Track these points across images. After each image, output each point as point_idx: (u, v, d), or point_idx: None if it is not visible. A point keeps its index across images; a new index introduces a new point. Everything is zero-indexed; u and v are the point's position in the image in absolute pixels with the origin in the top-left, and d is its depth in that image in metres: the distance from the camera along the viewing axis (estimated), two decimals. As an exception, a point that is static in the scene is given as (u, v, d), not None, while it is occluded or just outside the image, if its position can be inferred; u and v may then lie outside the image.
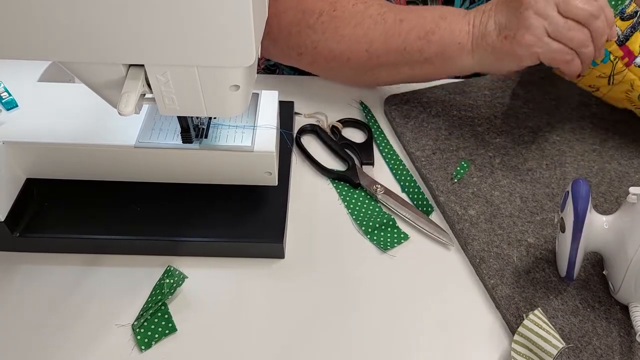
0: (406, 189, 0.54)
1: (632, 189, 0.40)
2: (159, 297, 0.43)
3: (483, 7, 0.52)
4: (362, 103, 0.62)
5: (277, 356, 0.41)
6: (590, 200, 0.40)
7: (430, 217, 0.51)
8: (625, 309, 0.43)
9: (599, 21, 0.47)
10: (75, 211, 0.47)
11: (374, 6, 0.54)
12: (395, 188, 0.54)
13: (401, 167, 0.56)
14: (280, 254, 0.47)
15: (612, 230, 0.41)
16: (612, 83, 0.53)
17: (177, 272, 0.44)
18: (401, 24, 0.53)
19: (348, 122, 0.60)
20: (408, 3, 0.62)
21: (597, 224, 0.42)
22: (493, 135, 0.58)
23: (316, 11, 0.55)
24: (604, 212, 0.44)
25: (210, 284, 0.45)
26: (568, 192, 0.41)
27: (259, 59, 0.38)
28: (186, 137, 0.45)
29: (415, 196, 0.53)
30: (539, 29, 0.47)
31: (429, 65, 0.54)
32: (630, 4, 0.52)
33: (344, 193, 0.53)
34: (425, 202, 0.52)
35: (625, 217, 0.41)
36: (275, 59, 0.62)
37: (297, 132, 0.58)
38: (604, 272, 0.44)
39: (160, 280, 0.44)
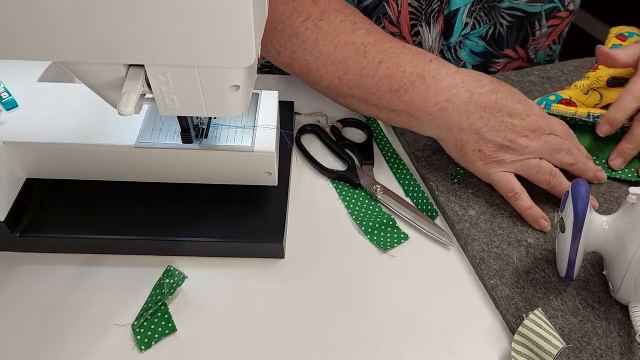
0: (410, 193, 0.53)
1: (632, 189, 0.40)
2: (159, 297, 0.43)
3: (476, 94, 0.48)
4: None
5: (277, 356, 0.41)
6: (590, 200, 0.40)
7: (435, 221, 0.51)
8: (625, 309, 0.43)
9: (579, 165, 0.50)
10: (75, 211, 0.47)
11: (361, 31, 0.51)
12: (396, 188, 0.54)
13: (401, 167, 0.56)
14: (280, 254, 0.47)
15: (612, 230, 0.41)
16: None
17: (177, 272, 0.44)
18: (379, 66, 0.49)
19: (348, 122, 0.60)
20: (412, 27, 0.62)
21: (597, 224, 0.42)
22: (493, 135, 0.58)
23: (304, 13, 0.52)
24: (604, 212, 0.44)
25: (210, 284, 0.45)
26: (568, 192, 0.41)
27: (258, 59, 0.38)
28: (186, 137, 0.45)
29: (420, 200, 0.53)
30: (509, 166, 0.49)
31: (394, 115, 0.51)
32: None
33: (344, 193, 0.53)
34: (430, 207, 0.52)
35: (625, 218, 0.41)
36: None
37: (297, 132, 0.58)
38: (603, 272, 0.44)
39: (160, 280, 0.44)
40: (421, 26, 0.61)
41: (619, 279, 0.41)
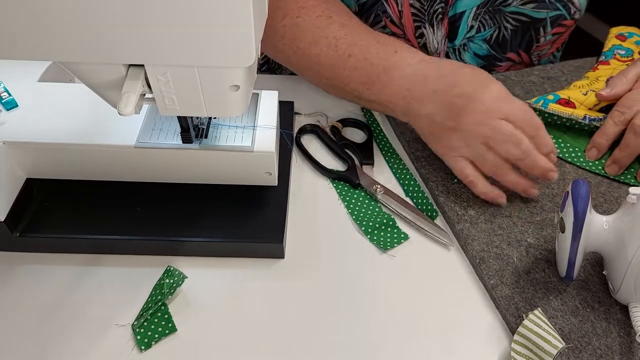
0: (410, 193, 0.53)
1: (632, 189, 0.40)
2: (159, 297, 0.43)
3: (431, 78, 0.49)
4: (363, 108, 0.62)
5: (277, 356, 0.41)
6: (590, 200, 0.40)
7: (435, 221, 0.51)
8: (625, 309, 0.43)
9: (527, 160, 0.47)
10: (75, 211, 0.47)
11: (334, 25, 0.53)
12: (396, 188, 0.54)
13: (401, 167, 0.56)
14: (280, 254, 0.47)
15: (612, 230, 0.41)
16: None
17: (177, 272, 0.44)
18: (348, 59, 0.51)
19: (348, 122, 0.60)
20: (416, 29, 0.62)
21: (597, 224, 0.42)
22: (493, 135, 0.58)
23: (282, 11, 0.54)
24: (604, 212, 0.44)
25: (210, 284, 0.45)
26: (568, 192, 0.41)
27: (258, 58, 0.38)
28: (186, 137, 0.45)
29: (420, 200, 0.53)
30: (460, 151, 0.48)
31: (372, 105, 0.54)
32: None
33: (344, 193, 0.53)
34: (430, 207, 0.52)
35: (625, 218, 0.41)
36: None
37: (297, 132, 0.58)
38: (603, 272, 0.44)
39: (160, 280, 0.44)
40: (425, 27, 0.62)
41: (619, 279, 0.41)
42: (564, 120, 0.56)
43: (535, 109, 0.55)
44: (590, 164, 0.55)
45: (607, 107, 0.56)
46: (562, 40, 0.67)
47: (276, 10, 0.54)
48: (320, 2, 0.54)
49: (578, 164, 0.55)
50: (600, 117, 0.55)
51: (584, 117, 0.55)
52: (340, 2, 0.57)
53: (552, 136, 0.56)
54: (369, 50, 0.51)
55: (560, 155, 0.55)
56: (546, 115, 0.56)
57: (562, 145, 0.56)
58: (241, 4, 0.30)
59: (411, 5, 0.60)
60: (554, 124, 0.57)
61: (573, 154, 0.55)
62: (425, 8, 0.60)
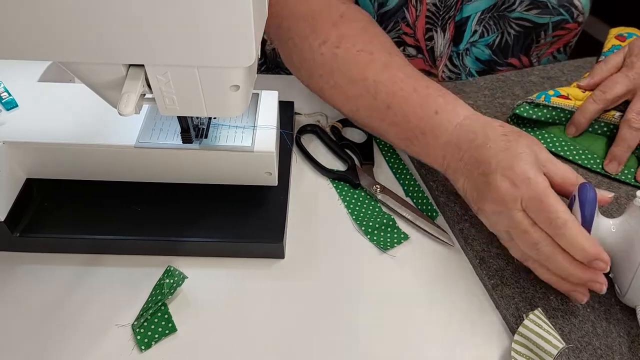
0: (410, 193, 0.53)
1: (639, 193, 0.40)
2: (159, 297, 0.43)
3: (464, 149, 0.45)
4: None
5: (277, 356, 0.41)
6: (597, 204, 0.40)
7: (435, 221, 0.51)
8: (625, 310, 0.43)
9: (551, 266, 0.41)
10: (75, 211, 0.47)
11: (376, 64, 0.49)
12: (396, 188, 0.54)
13: (401, 167, 0.56)
14: (280, 254, 0.47)
15: (620, 233, 0.41)
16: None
17: (177, 272, 0.44)
18: (387, 111, 0.49)
19: (348, 122, 0.60)
20: (427, 31, 0.62)
21: (605, 227, 0.42)
22: (493, 135, 0.58)
23: (322, 35, 0.51)
24: (605, 212, 0.44)
25: (210, 284, 0.45)
26: (575, 196, 0.41)
27: (258, 58, 0.38)
28: (186, 137, 0.45)
29: (420, 200, 0.53)
30: (501, 225, 0.43)
31: (411, 153, 0.51)
32: None
33: (344, 193, 0.53)
34: (430, 207, 0.52)
35: (632, 221, 0.41)
36: (275, 46, 0.58)
37: (297, 132, 0.58)
38: (610, 275, 0.44)
39: (160, 280, 0.44)
40: (436, 32, 0.62)
41: (627, 282, 0.41)
42: (567, 112, 0.55)
43: (538, 104, 0.55)
44: (592, 162, 0.55)
45: None
46: (564, 42, 0.67)
47: (312, 32, 0.51)
48: (361, 31, 0.52)
49: (580, 162, 0.55)
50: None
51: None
52: (380, 30, 0.54)
53: (552, 134, 0.56)
54: (409, 106, 0.48)
55: (562, 153, 0.55)
56: (550, 108, 0.55)
57: (563, 143, 0.56)
58: (241, 4, 0.30)
59: (427, 9, 0.60)
60: (553, 122, 0.57)
61: (574, 152, 0.55)
62: (441, 13, 0.60)
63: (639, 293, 0.41)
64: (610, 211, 0.50)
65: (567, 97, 0.56)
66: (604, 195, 0.42)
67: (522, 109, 0.55)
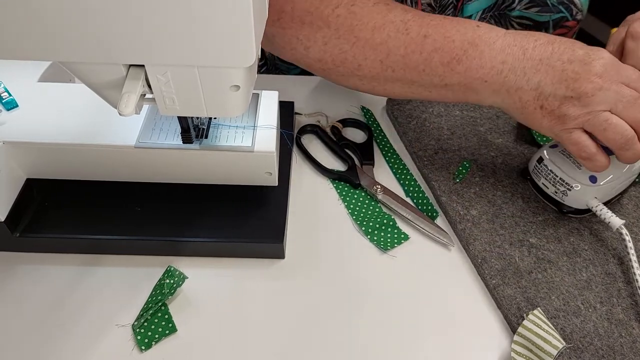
0: (410, 194, 0.53)
1: None
2: (159, 297, 0.42)
3: (530, 49, 0.44)
4: (363, 108, 0.62)
5: (277, 356, 0.41)
6: None
7: (435, 221, 0.51)
8: (627, 310, 0.43)
9: None
10: (75, 211, 0.47)
11: (397, 10, 0.48)
12: (396, 188, 0.54)
13: (402, 167, 0.56)
14: (280, 254, 0.47)
15: None
16: None
17: (177, 272, 0.44)
18: (425, 40, 0.46)
19: (348, 122, 0.60)
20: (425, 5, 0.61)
21: None
22: (495, 136, 0.58)
23: (334, 1, 0.48)
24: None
25: (210, 284, 0.45)
26: None
27: (258, 58, 0.38)
28: (186, 137, 0.45)
29: (420, 200, 0.53)
30: (578, 121, 0.43)
31: (447, 91, 0.48)
32: None
33: (344, 193, 0.53)
34: (430, 207, 0.52)
35: None
36: (278, 52, 0.55)
37: (297, 132, 0.58)
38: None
39: (160, 280, 0.44)
40: None
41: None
42: None
43: None
44: None
45: None
46: None
47: (321, 2, 0.49)
48: None
49: None
50: None
51: None
52: None
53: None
54: (447, 28, 0.46)
55: None
56: None
57: None
58: (241, 4, 0.30)
59: (422, 10, 0.59)
60: None
61: None
62: (436, 12, 0.60)
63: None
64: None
65: None
66: None
67: None
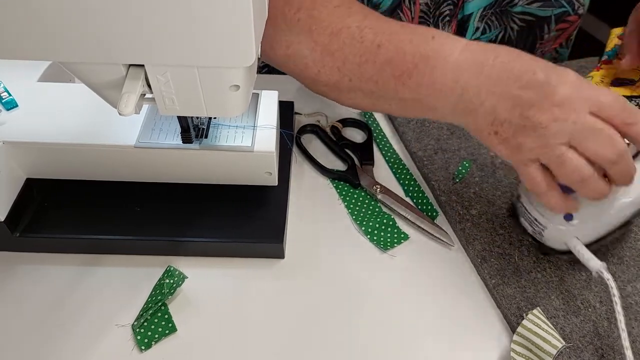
0: (410, 194, 0.53)
1: None
2: (159, 297, 0.42)
3: (488, 66, 0.39)
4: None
5: (277, 356, 0.41)
6: None
7: (435, 221, 0.51)
8: (626, 310, 0.43)
9: (622, 164, 0.38)
10: (75, 211, 0.47)
11: (357, 15, 0.45)
12: (396, 188, 0.54)
13: (401, 167, 0.56)
14: (280, 254, 0.47)
15: None
16: None
17: (177, 272, 0.44)
18: (378, 50, 0.43)
19: (348, 122, 0.60)
20: (420, 19, 0.61)
21: None
22: (494, 135, 0.58)
23: (296, 4, 0.46)
24: None
25: (210, 284, 0.45)
26: None
27: (258, 59, 0.38)
28: (186, 137, 0.45)
29: (420, 200, 0.53)
30: (533, 154, 0.39)
31: (405, 106, 0.44)
32: None
33: (344, 193, 0.53)
34: (430, 207, 0.52)
35: None
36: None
37: (297, 132, 0.58)
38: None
39: (160, 280, 0.44)
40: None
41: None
42: None
43: None
44: None
45: None
46: (566, 36, 0.67)
47: (286, 4, 0.47)
48: None
49: None
50: None
51: None
52: None
53: None
54: (400, 38, 0.42)
55: None
56: None
57: None
58: (241, 4, 0.30)
59: (420, 9, 0.59)
60: None
61: None
62: (431, 11, 0.60)
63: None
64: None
65: None
66: None
67: None
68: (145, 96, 0.38)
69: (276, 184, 0.49)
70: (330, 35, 0.45)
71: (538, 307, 0.42)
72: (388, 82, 0.43)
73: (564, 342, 0.39)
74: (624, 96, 0.55)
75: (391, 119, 0.61)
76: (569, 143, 0.37)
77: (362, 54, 0.44)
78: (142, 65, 0.35)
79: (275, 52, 0.49)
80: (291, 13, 0.46)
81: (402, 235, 0.49)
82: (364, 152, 0.56)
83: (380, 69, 0.43)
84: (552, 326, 0.41)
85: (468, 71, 0.40)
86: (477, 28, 0.62)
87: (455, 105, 0.41)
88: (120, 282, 0.45)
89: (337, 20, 0.45)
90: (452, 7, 0.59)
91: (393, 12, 0.59)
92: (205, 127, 0.47)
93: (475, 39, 0.64)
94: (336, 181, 0.54)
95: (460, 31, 0.63)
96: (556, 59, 0.72)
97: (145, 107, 0.49)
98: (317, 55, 0.46)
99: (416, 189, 0.54)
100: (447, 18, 0.60)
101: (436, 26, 0.61)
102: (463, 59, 0.40)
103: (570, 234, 0.42)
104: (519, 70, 0.38)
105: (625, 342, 0.38)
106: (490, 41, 0.64)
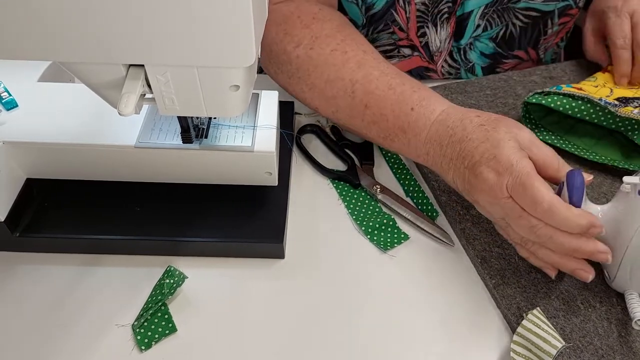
0: (410, 193, 0.53)
1: (625, 179, 0.40)
2: (159, 297, 0.42)
3: (445, 145, 0.45)
4: None
5: (277, 356, 0.41)
6: (585, 190, 0.40)
7: (435, 221, 0.51)
8: (627, 310, 0.43)
9: (552, 245, 0.40)
10: (75, 211, 0.47)
11: (350, 63, 0.49)
12: (396, 188, 0.54)
13: (401, 167, 0.56)
14: (280, 254, 0.47)
15: (607, 219, 0.41)
16: None
17: (177, 272, 0.44)
18: (365, 110, 0.49)
19: (348, 122, 0.60)
20: (419, 28, 0.62)
21: (592, 213, 0.42)
22: (494, 135, 0.58)
23: (295, 39, 0.51)
24: (595, 201, 0.44)
25: (210, 284, 0.45)
26: (563, 182, 0.41)
27: (258, 59, 0.38)
28: (186, 137, 0.45)
29: (420, 200, 0.53)
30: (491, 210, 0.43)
31: (395, 151, 0.51)
32: None
33: (344, 193, 0.53)
34: (430, 207, 0.52)
35: (620, 206, 0.41)
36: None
37: (297, 132, 0.58)
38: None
39: (160, 280, 0.44)
40: (427, 27, 0.61)
41: (615, 267, 0.41)
42: (578, 100, 0.53)
43: (549, 92, 0.54)
44: (597, 156, 0.54)
45: (618, 99, 0.55)
46: (567, 30, 0.67)
47: (285, 35, 0.52)
48: (334, 31, 0.52)
49: (585, 156, 0.54)
50: (616, 103, 0.54)
51: (600, 99, 0.53)
52: (354, 30, 0.54)
53: (556, 134, 0.56)
54: (385, 104, 0.48)
55: (567, 149, 0.55)
56: (560, 96, 0.53)
57: (567, 142, 0.56)
58: (241, 4, 0.30)
59: (417, 9, 0.59)
60: (559, 120, 0.56)
61: (579, 149, 0.55)
62: (430, 9, 0.60)
63: (627, 278, 0.41)
64: (601, 201, 0.50)
65: (580, 89, 0.56)
66: (586, 177, 0.41)
67: (532, 98, 0.54)
68: (145, 96, 0.38)
69: (276, 184, 0.49)
70: (326, 83, 0.50)
71: (538, 307, 0.42)
72: (376, 138, 0.50)
73: (564, 342, 0.39)
74: (627, 97, 0.55)
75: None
76: (504, 220, 0.42)
77: (352, 108, 0.50)
78: (142, 65, 0.35)
79: (279, 77, 0.55)
80: (291, 47, 0.52)
81: (402, 235, 0.49)
82: (364, 152, 0.56)
83: (367, 127, 0.50)
84: (552, 326, 0.41)
85: (433, 148, 0.46)
86: (478, 25, 0.62)
87: (432, 169, 0.48)
88: (120, 282, 0.45)
89: (333, 69, 0.50)
90: (450, 4, 0.59)
91: (387, 12, 0.59)
92: (205, 127, 0.47)
93: (476, 37, 0.64)
94: (336, 181, 0.54)
95: (459, 29, 0.62)
96: (557, 53, 0.71)
97: (145, 107, 0.49)
98: (314, 95, 0.52)
99: (416, 189, 0.54)
100: (446, 16, 0.60)
101: (434, 24, 0.61)
102: (430, 137, 0.46)
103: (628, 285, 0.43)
104: (463, 151, 0.43)
105: None
106: (492, 38, 0.64)
